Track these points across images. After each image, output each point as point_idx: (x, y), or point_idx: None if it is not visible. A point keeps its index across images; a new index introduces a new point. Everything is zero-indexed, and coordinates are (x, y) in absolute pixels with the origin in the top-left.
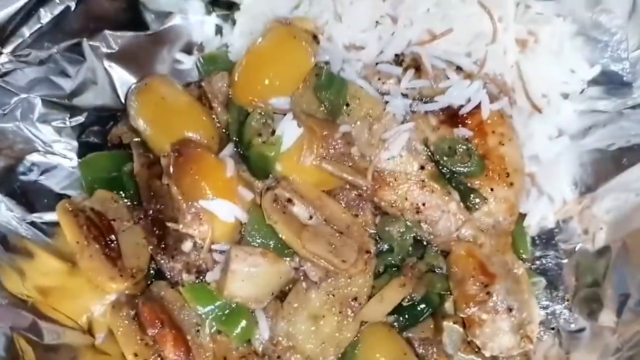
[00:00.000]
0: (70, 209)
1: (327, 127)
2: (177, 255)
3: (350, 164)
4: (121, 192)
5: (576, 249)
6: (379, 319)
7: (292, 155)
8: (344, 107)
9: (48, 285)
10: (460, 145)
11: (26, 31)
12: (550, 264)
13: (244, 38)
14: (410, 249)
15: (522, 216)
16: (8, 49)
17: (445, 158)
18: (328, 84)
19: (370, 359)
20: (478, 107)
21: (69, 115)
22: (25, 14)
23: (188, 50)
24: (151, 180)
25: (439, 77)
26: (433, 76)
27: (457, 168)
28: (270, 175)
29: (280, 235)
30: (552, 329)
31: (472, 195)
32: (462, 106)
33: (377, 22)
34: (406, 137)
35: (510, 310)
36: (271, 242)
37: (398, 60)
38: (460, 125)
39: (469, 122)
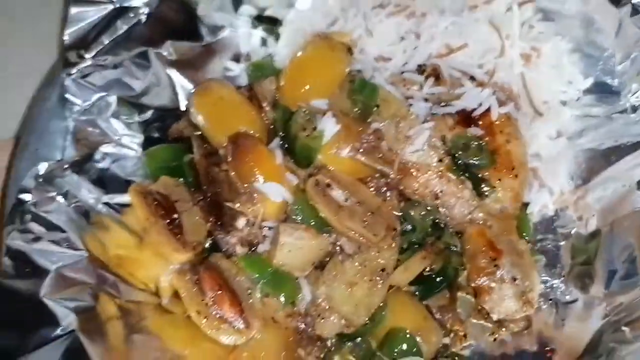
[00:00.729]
0: (140, 191)
1: (361, 125)
2: (232, 231)
3: (379, 156)
4: (181, 179)
5: (571, 233)
6: (403, 284)
7: (330, 147)
8: (375, 108)
9: (122, 255)
10: (473, 142)
11: (105, 39)
12: (549, 246)
13: (287, 49)
14: (430, 229)
15: (526, 205)
16: (90, 54)
17: (460, 152)
18: (360, 89)
19: (396, 320)
20: (488, 110)
21: (137, 113)
22: (105, 25)
23: (236, 59)
24: (209, 167)
25: (455, 85)
26: (450, 84)
27: (471, 161)
28: (311, 164)
29: (320, 214)
30: (550, 300)
31: (482, 184)
32: (474, 109)
33: (402, 37)
34: (427, 134)
35: (514, 279)
36: (311, 221)
37: (420, 69)
38: (472, 126)
39: (481, 123)
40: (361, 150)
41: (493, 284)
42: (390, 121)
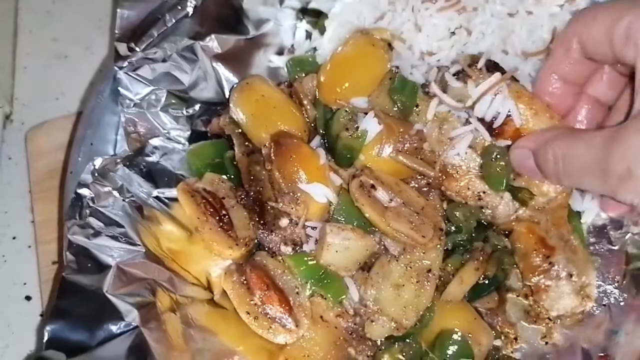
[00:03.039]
0: (188, 190)
1: (403, 125)
2: (276, 230)
3: (421, 157)
4: (224, 176)
5: (626, 237)
6: (460, 298)
7: (372, 147)
8: (415, 108)
9: (174, 249)
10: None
11: (154, 32)
12: (602, 249)
13: (332, 44)
14: (474, 231)
15: (579, 214)
16: (140, 47)
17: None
18: (401, 88)
19: (445, 321)
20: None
21: (185, 106)
22: (155, 18)
23: (280, 52)
24: (251, 166)
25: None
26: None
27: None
28: (352, 164)
29: (366, 216)
30: (604, 305)
31: (519, 194)
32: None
33: (452, 33)
34: (470, 137)
35: (570, 276)
36: (355, 221)
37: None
38: (498, 138)
39: (506, 131)
40: (403, 151)
41: (549, 282)
42: (432, 122)
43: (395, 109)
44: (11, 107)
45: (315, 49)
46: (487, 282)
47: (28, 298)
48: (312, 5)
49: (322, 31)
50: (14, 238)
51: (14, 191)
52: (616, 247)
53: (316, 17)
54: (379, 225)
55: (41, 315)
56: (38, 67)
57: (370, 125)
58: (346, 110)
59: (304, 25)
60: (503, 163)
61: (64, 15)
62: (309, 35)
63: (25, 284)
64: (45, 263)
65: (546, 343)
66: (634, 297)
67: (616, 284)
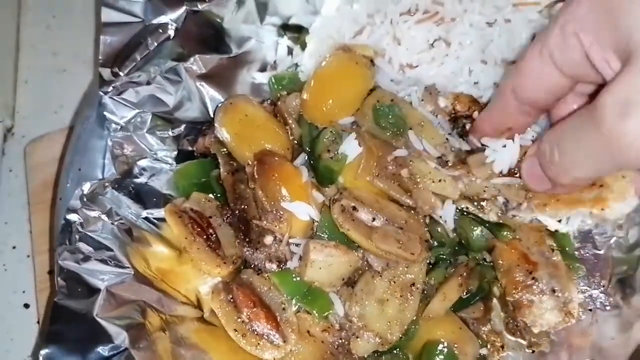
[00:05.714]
0: (175, 211)
1: (383, 149)
2: (261, 248)
3: (398, 184)
4: (211, 195)
5: (611, 241)
6: (443, 314)
7: (351, 169)
8: (409, 130)
9: (164, 269)
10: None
11: (137, 56)
12: (588, 254)
13: (313, 59)
14: (457, 245)
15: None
16: (124, 71)
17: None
18: (386, 115)
19: (430, 332)
20: None
21: (171, 127)
22: (137, 43)
23: (263, 68)
24: (236, 185)
25: None
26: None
27: None
28: (332, 184)
29: (352, 239)
30: (590, 310)
31: (499, 231)
32: None
33: (432, 45)
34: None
35: (553, 291)
36: (338, 237)
37: None
38: None
39: None
40: (381, 175)
41: (533, 297)
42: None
43: (383, 135)
44: (12, 120)
45: (297, 64)
46: (470, 295)
47: (27, 306)
48: (292, 21)
49: (304, 47)
50: (14, 248)
51: (15, 203)
52: (601, 252)
53: (298, 33)
54: (366, 248)
55: (38, 322)
56: (38, 81)
57: (350, 148)
58: (331, 131)
59: (285, 42)
60: None
61: (63, 30)
62: (290, 51)
63: (24, 292)
64: (41, 273)
65: (533, 351)
66: (621, 301)
67: (602, 289)
